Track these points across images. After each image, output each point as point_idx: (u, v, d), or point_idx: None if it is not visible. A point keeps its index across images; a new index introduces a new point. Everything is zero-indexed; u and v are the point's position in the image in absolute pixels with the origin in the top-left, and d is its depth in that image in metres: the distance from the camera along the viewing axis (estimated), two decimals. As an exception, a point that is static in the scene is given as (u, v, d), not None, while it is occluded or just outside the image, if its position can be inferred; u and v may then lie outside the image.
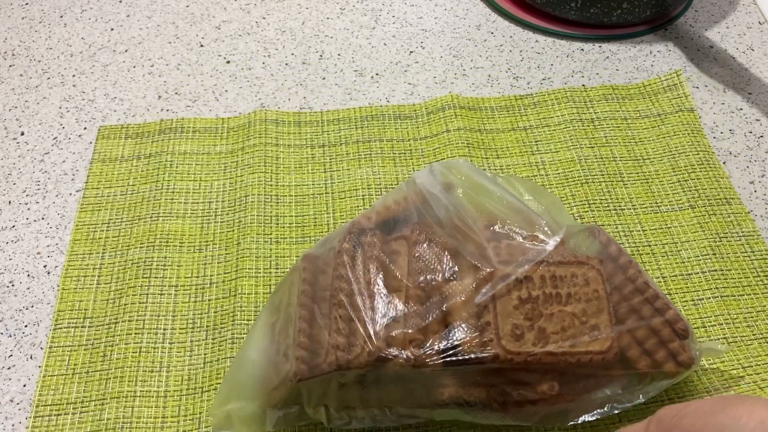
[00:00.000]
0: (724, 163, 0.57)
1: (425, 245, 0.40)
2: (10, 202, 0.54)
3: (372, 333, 0.37)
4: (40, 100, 0.62)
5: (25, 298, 0.49)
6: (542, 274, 0.39)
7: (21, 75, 0.63)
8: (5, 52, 0.65)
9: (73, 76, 0.64)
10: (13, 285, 0.49)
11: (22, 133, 0.59)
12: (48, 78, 0.64)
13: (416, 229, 0.40)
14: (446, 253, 0.39)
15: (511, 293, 0.38)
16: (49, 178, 0.56)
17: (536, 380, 0.38)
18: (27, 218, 0.53)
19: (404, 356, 0.36)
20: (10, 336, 0.47)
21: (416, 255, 0.39)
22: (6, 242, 0.52)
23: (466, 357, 0.36)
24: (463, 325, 0.37)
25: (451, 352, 0.36)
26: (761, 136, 0.59)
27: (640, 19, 0.67)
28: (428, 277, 0.39)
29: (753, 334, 0.46)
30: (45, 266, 0.50)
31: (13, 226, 0.53)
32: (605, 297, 0.40)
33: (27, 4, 0.70)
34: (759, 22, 0.68)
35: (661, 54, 0.66)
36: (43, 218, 0.53)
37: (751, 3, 0.70)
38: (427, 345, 0.37)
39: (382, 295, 0.38)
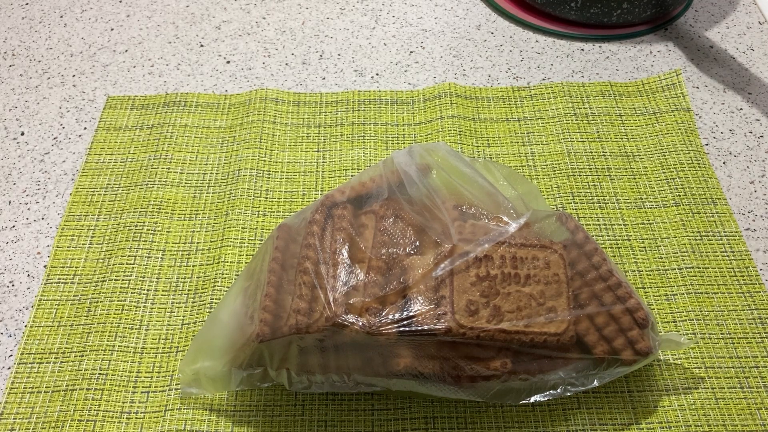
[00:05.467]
0: (724, 163, 0.57)
1: (391, 220, 0.41)
2: (10, 202, 0.55)
3: (331, 299, 0.38)
4: (40, 100, 0.62)
5: (25, 298, 0.49)
6: (503, 254, 0.40)
7: (21, 75, 0.64)
8: (5, 52, 0.65)
9: (73, 76, 0.64)
10: (13, 285, 0.50)
11: (22, 133, 0.59)
12: (48, 78, 0.64)
13: (385, 204, 0.42)
14: (410, 228, 0.41)
15: (469, 270, 0.39)
16: (49, 178, 0.56)
17: (490, 357, 0.39)
18: (27, 218, 0.54)
19: (360, 323, 0.38)
20: (10, 336, 0.48)
21: (381, 229, 0.41)
22: (6, 242, 0.52)
23: (420, 328, 0.38)
24: (419, 298, 0.38)
25: (405, 322, 0.38)
26: (761, 136, 0.59)
27: (640, 19, 0.67)
28: (391, 250, 0.40)
29: (721, 333, 0.47)
30: (45, 266, 0.51)
31: (13, 226, 0.53)
32: (565, 281, 0.40)
33: (27, 4, 0.71)
34: (759, 22, 0.67)
35: (661, 54, 0.66)
36: (43, 218, 0.54)
37: (751, 3, 0.69)
38: (384, 314, 0.38)
39: (345, 264, 0.40)
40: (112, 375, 0.45)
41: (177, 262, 0.51)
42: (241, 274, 0.44)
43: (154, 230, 0.53)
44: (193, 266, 0.51)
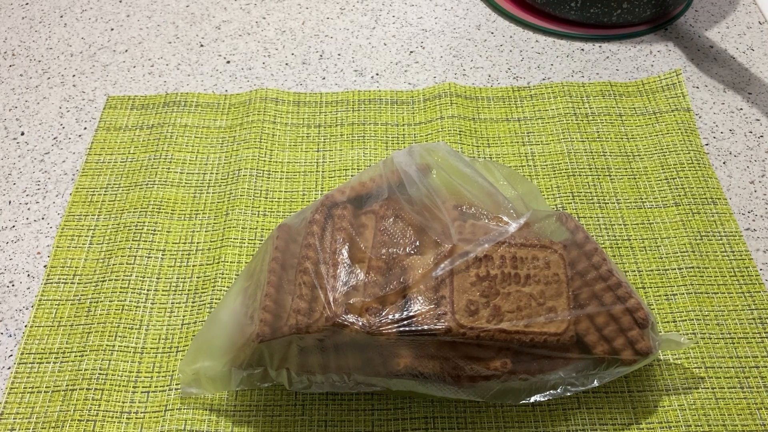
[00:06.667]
0: (724, 163, 0.57)
1: (391, 220, 0.41)
2: (10, 202, 0.55)
3: (331, 299, 0.38)
4: (40, 100, 0.62)
5: (25, 298, 0.49)
6: (503, 254, 0.40)
7: (21, 75, 0.64)
8: (5, 52, 0.65)
9: (73, 76, 0.64)
10: (13, 285, 0.50)
11: (22, 133, 0.59)
12: (48, 78, 0.64)
13: (385, 204, 0.42)
14: (410, 228, 0.41)
15: (469, 270, 0.39)
16: (49, 178, 0.56)
17: (490, 357, 0.39)
18: (27, 218, 0.54)
19: (360, 323, 0.38)
20: (10, 336, 0.48)
21: (381, 229, 0.41)
22: (6, 242, 0.52)
23: (420, 328, 0.38)
24: (419, 298, 0.38)
25: (405, 322, 0.38)
26: (761, 136, 0.59)
27: (640, 19, 0.67)
28: (391, 250, 0.40)
29: (721, 333, 0.47)
30: (45, 266, 0.51)
31: (13, 226, 0.53)
32: (565, 281, 0.40)
33: (27, 4, 0.71)
34: (759, 22, 0.67)
35: (661, 54, 0.66)
36: (43, 218, 0.54)
37: (751, 3, 0.69)
38: (384, 314, 0.38)
39: (345, 264, 0.40)
40: (112, 375, 0.45)
41: (177, 262, 0.51)
42: (241, 274, 0.44)
43: (154, 230, 0.53)
44: (193, 266, 0.51)
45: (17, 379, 0.45)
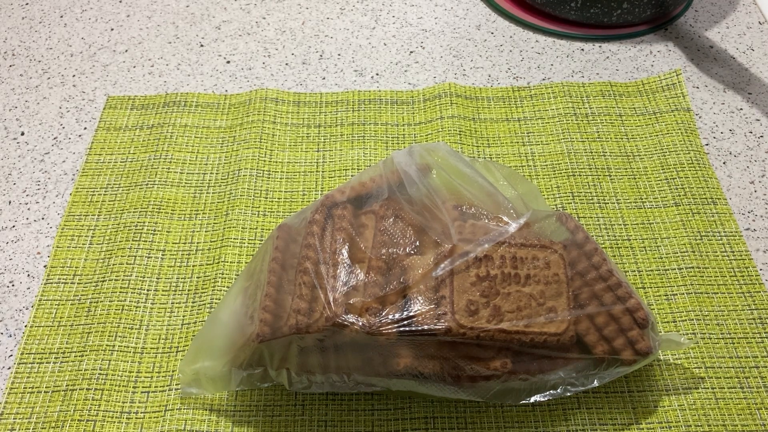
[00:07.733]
0: (724, 163, 0.57)
1: (391, 220, 0.41)
2: (10, 202, 0.55)
3: (331, 299, 0.38)
4: (40, 100, 0.62)
5: (25, 298, 0.49)
6: (503, 254, 0.40)
7: (21, 75, 0.64)
8: (5, 52, 0.65)
9: (73, 76, 0.64)
10: (13, 285, 0.50)
11: (22, 133, 0.59)
12: (48, 78, 0.64)
13: (385, 204, 0.42)
14: (410, 228, 0.41)
15: (469, 270, 0.39)
16: (49, 178, 0.56)
17: (490, 357, 0.39)
18: (27, 218, 0.54)
19: (360, 323, 0.38)
20: (10, 336, 0.48)
21: (381, 229, 0.41)
22: (6, 242, 0.52)
23: (420, 328, 0.38)
24: (419, 298, 0.38)
25: (405, 322, 0.38)
26: (761, 136, 0.59)
27: (640, 19, 0.67)
28: (391, 250, 0.40)
29: (721, 333, 0.47)
30: (45, 266, 0.51)
31: (13, 226, 0.53)
32: (565, 281, 0.40)
33: (27, 4, 0.71)
34: (759, 22, 0.67)
35: (661, 54, 0.66)
36: (43, 218, 0.54)
37: (751, 3, 0.69)
38: (384, 314, 0.38)
39: (345, 264, 0.40)
40: (112, 375, 0.45)
41: (177, 262, 0.51)
42: (241, 274, 0.44)
43: (154, 230, 0.53)
44: (193, 266, 0.51)
45: (17, 379, 0.45)
